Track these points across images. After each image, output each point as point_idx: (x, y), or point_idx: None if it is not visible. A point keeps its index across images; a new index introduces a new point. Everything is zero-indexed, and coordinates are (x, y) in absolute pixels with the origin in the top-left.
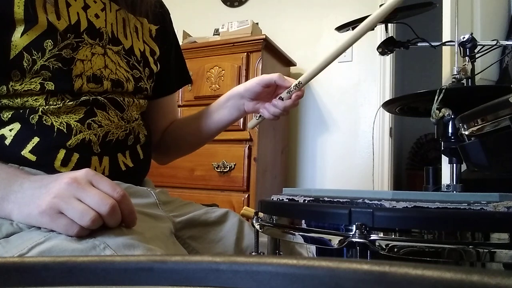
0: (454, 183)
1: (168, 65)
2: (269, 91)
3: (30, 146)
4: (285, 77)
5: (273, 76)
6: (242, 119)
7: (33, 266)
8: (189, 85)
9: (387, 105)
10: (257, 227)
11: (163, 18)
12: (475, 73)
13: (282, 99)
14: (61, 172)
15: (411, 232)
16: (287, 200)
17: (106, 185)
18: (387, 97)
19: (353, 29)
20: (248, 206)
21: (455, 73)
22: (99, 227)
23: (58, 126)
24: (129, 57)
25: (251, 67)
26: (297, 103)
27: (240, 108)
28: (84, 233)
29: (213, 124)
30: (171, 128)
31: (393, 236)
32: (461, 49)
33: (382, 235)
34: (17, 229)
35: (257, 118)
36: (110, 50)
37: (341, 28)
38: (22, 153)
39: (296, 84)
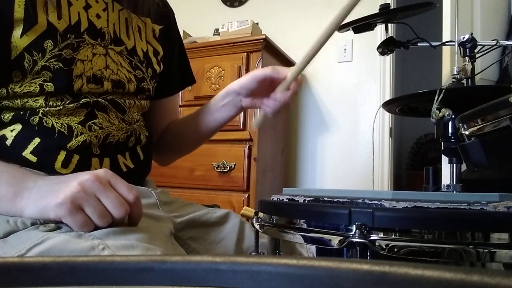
0: (454, 183)
1: (171, 66)
2: (265, 85)
3: (31, 147)
4: (278, 68)
5: (267, 71)
6: (242, 120)
7: (33, 266)
8: None
9: (387, 105)
10: (257, 227)
11: (167, 18)
12: (475, 73)
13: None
14: (62, 173)
15: (411, 232)
16: (287, 200)
17: (123, 187)
18: (387, 97)
19: (353, 29)
20: (248, 206)
21: (455, 73)
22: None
23: (59, 128)
24: (132, 57)
25: (251, 67)
26: (296, 93)
27: (237, 105)
28: (91, 230)
29: (213, 122)
30: (170, 127)
31: (393, 236)
32: (461, 49)
33: (382, 235)
34: (14, 227)
35: (260, 116)
36: (112, 50)
37: (341, 28)
38: (23, 154)
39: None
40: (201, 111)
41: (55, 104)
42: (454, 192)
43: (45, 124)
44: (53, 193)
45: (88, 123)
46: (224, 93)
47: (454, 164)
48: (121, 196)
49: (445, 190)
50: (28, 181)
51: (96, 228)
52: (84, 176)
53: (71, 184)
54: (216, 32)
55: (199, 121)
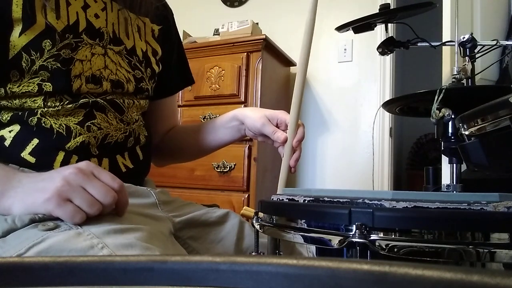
0: (454, 183)
1: (169, 66)
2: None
3: (29, 148)
4: (279, 133)
5: (269, 132)
6: None
7: (33, 266)
8: None
9: (387, 105)
10: (257, 227)
11: (166, 18)
12: (475, 73)
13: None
14: None
15: (411, 232)
16: (287, 200)
17: (106, 176)
18: (387, 97)
19: (353, 29)
20: (248, 206)
21: (455, 73)
22: (97, 226)
23: (57, 129)
24: (131, 57)
25: (251, 67)
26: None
27: (241, 132)
28: (83, 220)
29: (214, 142)
30: (171, 134)
31: (393, 236)
32: (461, 49)
33: (382, 235)
34: (12, 225)
35: (282, 174)
36: (111, 50)
37: (341, 28)
38: (22, 155)
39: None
40: (205, 126)
41: (53, 105)
42: (454, 192)
43: (43, 124)
44: (39, 190)
45: (86, 124)
46: (232, 116)
47: (454, 164)
48: (107, 185)
49: (445, 190)
50: (13, 180)
51: (89, 219)
52: (67, 170)
53: (55, 179)
54: (216, 32)
55: (201, 135)
